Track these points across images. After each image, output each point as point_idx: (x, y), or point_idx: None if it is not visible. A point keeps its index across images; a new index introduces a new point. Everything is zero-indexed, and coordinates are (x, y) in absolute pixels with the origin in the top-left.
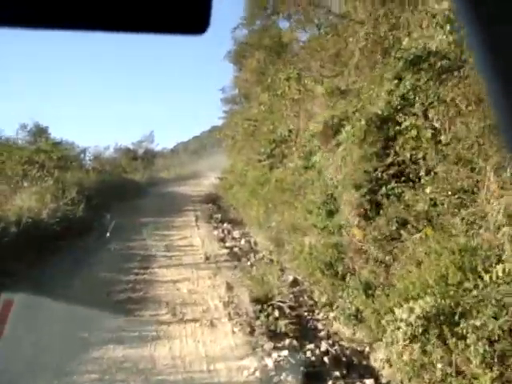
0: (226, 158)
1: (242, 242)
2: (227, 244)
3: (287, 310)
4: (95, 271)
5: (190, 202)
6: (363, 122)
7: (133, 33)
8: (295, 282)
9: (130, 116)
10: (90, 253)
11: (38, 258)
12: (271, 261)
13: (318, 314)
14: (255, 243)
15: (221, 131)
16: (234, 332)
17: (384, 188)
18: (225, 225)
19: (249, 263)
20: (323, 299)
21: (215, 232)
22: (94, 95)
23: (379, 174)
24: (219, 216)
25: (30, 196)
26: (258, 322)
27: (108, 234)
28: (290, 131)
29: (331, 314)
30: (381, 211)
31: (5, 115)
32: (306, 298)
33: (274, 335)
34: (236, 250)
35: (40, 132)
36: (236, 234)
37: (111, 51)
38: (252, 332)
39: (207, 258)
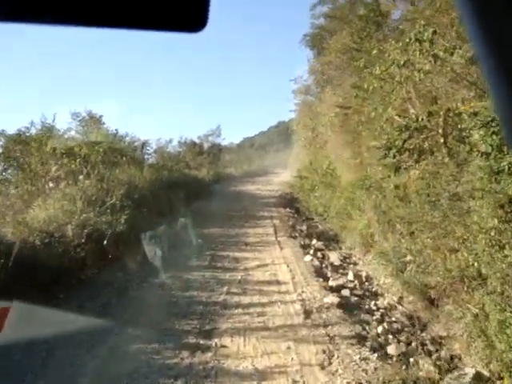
0: (298, 153)
1: (350, 275)
2: (330, 281)
3: None
4: (121, 339)
5: (263, 204)
6: None
7: (130, 30)
8: (478, 380)
9: (197, 110)
10: (122, 293)
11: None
12: (410, 320)
13: None
14: (368, 278)
15: (298, 123)
16: None
17: None
18: (314, 242)
19: (379, 328)
20: None
21: (307, 257)
22: (162, 89)
23: None
24: (304, 228)
25: (55, 202)
26: None
27: (152, 258)
28: (430, 114)
29: None
30: None
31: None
32: None
33: None
34: (346, 293)
35: (93, 122)
36: (335, 259)
37: (180, 46)
38: None
39: (307, 314)
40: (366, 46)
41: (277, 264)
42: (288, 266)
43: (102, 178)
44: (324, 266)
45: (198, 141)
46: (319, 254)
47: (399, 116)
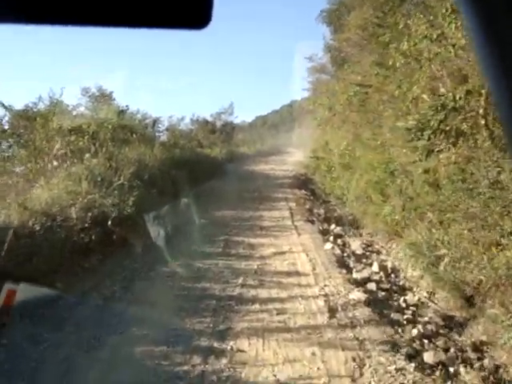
0: (312, 132)
1: (375, 266)
2: (354, 273)
3: None
4: (125, 338)
5: (277, 185)
6: None
7: (133, 28)
8: None
9: (209, 88)
10: (128, 284)
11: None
12: (445, 321)
13: None
14: (394, 270)
15: (313, 102)
16: None
17: None
18: (333, 227)
19: (413, 330)
20: None
21: (327, 244)
22: (175, 67)
23: None
24: (322, 212)
25: (59, 182)
26: None
27: (162, 244)
28: (468, 93)
29: None
30: None
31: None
32: None
33: None
34: (372, 286)
35: (103, 98)
36: (357, 247)
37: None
38: None
39: (332, 313)
40: (389, 20)
41: (295, 252)
42: (307, 255)
43: (111, 156)
44: (346, 254)
45: (210, 119)
46: (339, 241)
47: (433, 94)
